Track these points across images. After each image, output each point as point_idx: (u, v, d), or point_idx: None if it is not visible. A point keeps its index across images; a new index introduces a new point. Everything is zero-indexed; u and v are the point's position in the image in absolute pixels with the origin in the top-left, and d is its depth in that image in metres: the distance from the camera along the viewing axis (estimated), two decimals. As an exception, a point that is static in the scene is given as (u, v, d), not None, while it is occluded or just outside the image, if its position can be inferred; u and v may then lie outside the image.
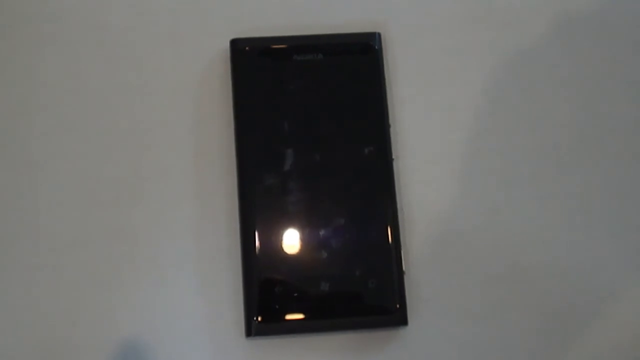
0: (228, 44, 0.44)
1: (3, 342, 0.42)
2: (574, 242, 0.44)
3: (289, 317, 0.41)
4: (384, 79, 0.44)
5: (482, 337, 0.43)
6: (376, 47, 0.45)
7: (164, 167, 0.44)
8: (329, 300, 0.41)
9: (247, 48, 0.44)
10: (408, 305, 0.42)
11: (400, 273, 0.42)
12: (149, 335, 0.42)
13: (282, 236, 0.42)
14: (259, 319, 0.41)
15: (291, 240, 0.42)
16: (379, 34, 0.45)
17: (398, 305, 0.41)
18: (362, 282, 0.41)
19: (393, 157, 0.43)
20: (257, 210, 0.42)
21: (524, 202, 0.44)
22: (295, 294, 0.41)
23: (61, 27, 0.46)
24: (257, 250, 0.42)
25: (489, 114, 0.46)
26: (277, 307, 0.41)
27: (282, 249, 0.42)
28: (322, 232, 0.42)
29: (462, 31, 0.47)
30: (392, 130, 0.44)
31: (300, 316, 0.41)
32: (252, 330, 0.41)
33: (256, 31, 0.45)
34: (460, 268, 0.43)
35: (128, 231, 0.43)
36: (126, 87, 0.45)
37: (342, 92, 0.44)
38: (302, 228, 0.42)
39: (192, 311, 0.42)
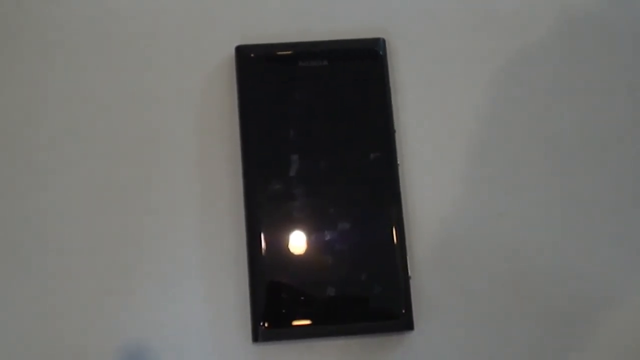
0: (233, 51, 0.45)
1: (11, 347, 0.42)
2: (579, 246, 0.44)
3: (295, 322, 0.41)
4: (388, 84, 0.44)
5: (488, 342, 0.43)
6: (381, 53, 0.45)
7: (170, 173, 0.44)
8: (335, 305, 0.41)
9: (252, 54, 0.44)
10: (414, 310, 0.42)
11: (406, 278, 0.42)
12: (155, 340, 0.42)
13: (288, 241, 0.42)
14: (266, 324, 0.41)
15: (297, 246, 0.42)
16: (384, 40, 0.45)
17: (404, 310, 0.41)
18: (368, 287, 0.42)
19: (398, 162, 0.43)
20: (263, 215, 0.42)
21: (528, 206, 0.44)
22: (302, 299, 0.41)
23: (67, 34, 0.46)
24: (263, 255, 0.42)
25: (493, 118, 0.46)
26: (283, 312, 0.41)
27: (288, 254, 0.42)
28: (327, 237, 0.42)
29: (466, 37, 0.47)
30: (397, 135, 0.44)
31: (306, 321, 0.41)
32: (258, 335, 0.41)
33: (261, 38, 0.45)
34: (465, 273, 0.43)
35: (134, 237, 0.43)
36: (132, 94, 0.45)
37: (347, 97, 0.44)
38: (307, 233, 0.42)
39: (199, 316, 0.42)
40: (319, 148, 0.43)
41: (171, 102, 0.45)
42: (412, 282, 0.42)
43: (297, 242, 0.42)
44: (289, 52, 0.44)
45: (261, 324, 0.41)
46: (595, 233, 0.44)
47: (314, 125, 0.44)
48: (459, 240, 0.44)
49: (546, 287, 0.43)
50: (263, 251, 0.42)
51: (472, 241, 0.44)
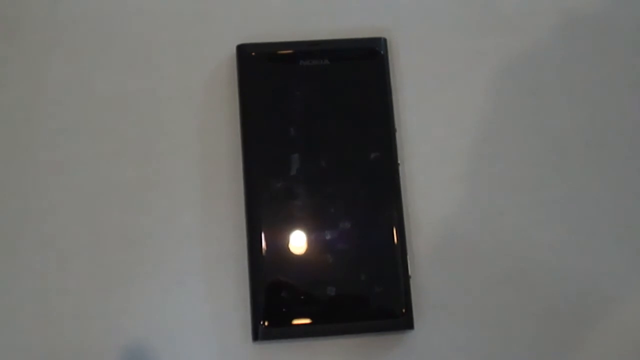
0: (234, 50, 0.45)
1: (12, 346, 0.42)
2: (579, 245, 0.44)
3: (295, 321, 0.41)
4: (389, 84, 0.44)
5: (488, 341, 0.43)
6: (382, 52, 0.45)
7: (171, 172, 0.44)
8: (336, 305, 0.41)
9: (253, 53, 0.44)
10: (414, 309, 0.42)
11: (406, 277, 0.42)
12: (156, 339, 0.42)
13: (288, 241, 0.42)
14: (266, 323, 0.41)
15: (297, 245, 0.42)
16: (385, 39, 0.45)
17: (404, 309, 0.41)
18: (368, 286, 0.42)
19: (399, 161, 0.44)
20: (263, 215, 0.42)
21: (529, 206, 0.45)
22: (302, 298, 0.41)
23: (68, 35, 0.46)
24: (263, 254, 0.42)
25: (494, 118, 0.46)
26: (283, 311, 0.41)
27: (289, 254, 0.42)
28: (328, 237, 0.42)
29: (467, 36, 0.47)
30: (397, 135, 0.44)
31: (306, 320, 0.41)
32: (259, 334, 0.41)
33: (262, 37, 0.45)
34: (465, 272, 0.43)
35: (135, 236, 0.43)
36: (133, 93, 0.45)
37: (347, 97, 0.44)
38: (308, 233, 0.42)
39: (199, 315, 0.42)
40: (320, 147, 0.43)
41: (172, 101, 0.45)
42: (412, 282, 0.42)
43: (298, 241, 0.42)
44: (290, 51, 0.45)
45: (261, 323, 0.41)
46: (596, 233, 0.44)
47: (315, 125, 0.44)
48: (459, 239, 0.44)
49: (546, 287, 0.43)
50: (263, 250, 0.42)
51: (473, 241, 0.44)
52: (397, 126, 0.44)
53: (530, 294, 0.43)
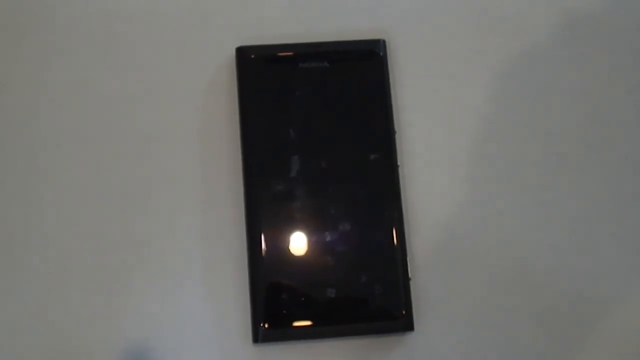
0: (234, 52, 0.45)
1: (13, 348, 0.42)
2: (580, 246, 0.44)
3: (295, 323, 0.41)
4: (389, 85, 0.44)
5: (488, 342, 0.43)
6: (381, 54, 0.45)
7: (171, 174, 0.44)
8: (335, 306, 0.41)
9: (252, 56, 0.44)
10: (414, 310, 0.42)
11: (406, 279, 0.42)
12: (156, 341, 0.42)
13: (288, 242, 0.42)
14: (266, 325, 0.41)
15: (297, 247, 0.42)
16: (384, 41, 0.45)
17: (404, 311, 0.42)
18: (368, 288, 0.42)
19: (398, 163, 0.44)
20: (263, 217, 0.42)
21: (528, 207, 0.45)
22: (302, 300, 0.41)
23: (68, 37, 0.46)
24: (263, 256, 0.42)
25: (493, 120, 0.46)
26: (283, 313, 0.41)
27: (289, 255, 0.42)
28: (328, 239, 0.42)
29: (466, 38, 0.47)
30: (397, 136, 0.44)
31: (306, 322, 0.41)
32: (259, 336, 0.41)
33: (262, 39, 0.45)
34: (465, 273, 0.43)
35: (135, 238, 0.43)
36: (133, 96, 0.45)
37: (347, 99, 0.44)
38: (308, 234, 0.42)
39: (199, 317, 0.42)
40: (320, 149, 0.43)
41: (172, 103, 0.45)
42: (412, 283, 0.42)
43: (298, 242, 0.42)
44: (290, 53, 0.45)
45: (261, 324, 0.41)
46: (595, 233, 0.44)
47: (315, 126, 0.44)
48: (459, 240, 0.44)
49: (546, 287, 0.43)
50: (263, 252, 0.42)
51: (473, 242, 0.44)
52: (396, 127, 0.44)
53: (530, 294, 0.43)
